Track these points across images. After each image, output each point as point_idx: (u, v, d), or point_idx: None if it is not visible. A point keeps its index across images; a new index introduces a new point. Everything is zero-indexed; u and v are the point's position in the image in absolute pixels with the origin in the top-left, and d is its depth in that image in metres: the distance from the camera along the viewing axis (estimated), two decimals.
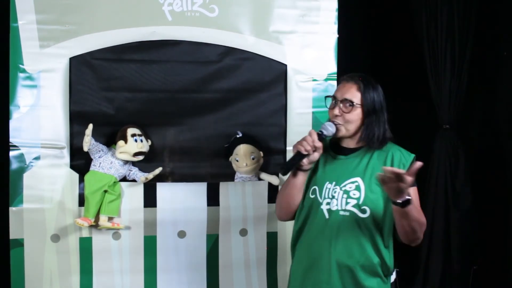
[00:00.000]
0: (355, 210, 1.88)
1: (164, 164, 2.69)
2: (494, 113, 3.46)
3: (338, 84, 2.03)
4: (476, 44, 3.39)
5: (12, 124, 2.53)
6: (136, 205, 2.65)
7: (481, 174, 3.49)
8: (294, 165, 1.94)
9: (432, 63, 3.43)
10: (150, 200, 2.66)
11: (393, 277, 1.96)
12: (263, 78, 2.74)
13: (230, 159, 2.70)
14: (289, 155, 2.76)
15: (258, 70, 2.73)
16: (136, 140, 2.55)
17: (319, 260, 1.93)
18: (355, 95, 1.93)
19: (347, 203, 1.89)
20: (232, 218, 2.73)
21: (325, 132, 1.94)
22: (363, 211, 1.88)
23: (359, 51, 3.54)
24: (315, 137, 1.91)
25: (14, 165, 2.53)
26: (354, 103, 1.92)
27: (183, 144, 2.71)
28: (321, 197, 1.94)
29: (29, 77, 2.53)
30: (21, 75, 2.52)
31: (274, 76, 2.75)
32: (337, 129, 1.95)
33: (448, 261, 3.45)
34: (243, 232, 2.75)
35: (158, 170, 2.60)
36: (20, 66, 2.51)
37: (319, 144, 1.91)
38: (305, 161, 1.94)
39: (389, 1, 3.57)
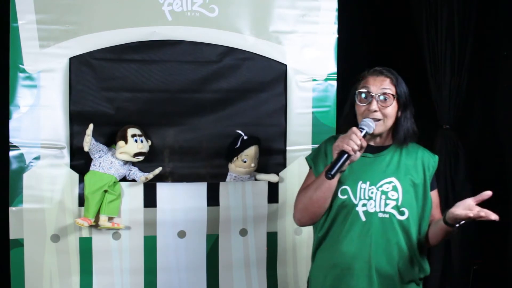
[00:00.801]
0: (394, 212, 1.81)
1: (164, 164, 2.69)
2: (494, 113, 3.46)
3: (360, 79, 1.93)
4: (476, 44, 3.38)
5: (12, 124, 2.53)
6: (136, 205, 2.65)
7: (481, 174, 3.48)
8: (341, 167, 1.74)
9: (432, 63, 3.42)
10: (150, 200, 2.66)
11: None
12: (263, 78, 2.74)
13: (234, 159, 2.70)
14: (289, 155, 2.76)
15: (258, 70, 2.73)
16: (136, 141, 2.54)
17: (353, 265, 1.83)
18: (391, 88, 1.85)
19: (386, 204, 1.81)
20: (232, 218, 2.73)
21: (366, 129, 1.80)
22: (402, 213, 1.82)
23: (359, 51, 3.54)
24: (360, 135, 1.76)
25: (14, 165, 2.53)
26: (393, 95, 1.84)
27: (183, 144, 2.71)
28: (355, 198, 1.83)
29: (29, 77, 2.53)
30: (21, 75, 2.52)
31: (274, 76, 2.75)
32: (375, 126, 1.83)
33: (448, 261, 3.44)
34: (243, 232, 2.75)
35: (158, 170, 2.60)
36: (20, 66, 2.51)
37: (365, 143, 1.77)
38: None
39: (389, 1, 3.57)
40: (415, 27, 3.50)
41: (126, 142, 2.53)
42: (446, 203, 3.44)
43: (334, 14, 2.77)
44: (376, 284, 1.82)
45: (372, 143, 1.90)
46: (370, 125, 1.81)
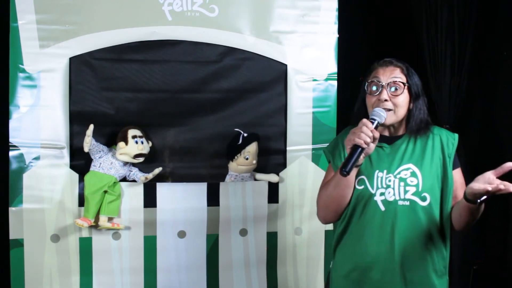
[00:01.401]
0: (416, 198, 1.73)
1: (164, 164, 2.69)
2: (494, 113, 3.46)
3: (370, 71, 1.88)
4: (476, 44, 3.38)
5: (12, 124, 2.53)
6: (136, 205, 2.65)
7: (481, 174, 3.48)
8: (355, 162, 1.66)
9: (432, 63, 3.42)
10: (150, 200, 2.66)
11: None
12: (263, 78, 2.74)
13: (236, 157, 2.69)
14: (289, 155, 2.76)
15: (258, 70, 2.73)
16: (136, 142, 2.54)
17: (378, 258, 1.75)
18: (401, 77, 1.80)
19: (406, 191, 1.73)
20: (232, 218, 2.73)
21: (378, 119, 1.73)
22: (423, 199, 1.73)
23: (359, 51, 3.54)
24: (371, 126, 1.68)
25: (14, 165, 2.53)
26: (404, 85, 1.78)
27: (183, 144, 2.71)
28: (372, 188, 1.76)
29: (29, 77, 2.53)
30: (21, 75, 2.52)
31: (274, 76, 2.75)
32: (386, 116, 1.77)
33: (448, 261, 3.44)
34: (243, 232, 2.75)
35: (158, 170, 2.60)
36: (20, 66, 2.51)
37: (377, 133, 1.69)
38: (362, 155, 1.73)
39: (389, 1, 3.57)
40: (415, 27, 3.50)
41: (126, 143, 2.53)
42: None
43: (334, 14, 2.77)
44: (402, 276, 1.74)
45: (386, 134, 1.84)
46: (381, 115, 1.74)
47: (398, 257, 1.74)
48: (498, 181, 1.58)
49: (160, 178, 2.65)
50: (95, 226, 2.58)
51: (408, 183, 1.74)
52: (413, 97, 1.81)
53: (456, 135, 1.84)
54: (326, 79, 2.78)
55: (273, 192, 2.77)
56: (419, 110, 1.81)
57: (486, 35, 3.42)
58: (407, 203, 1.73)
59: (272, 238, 2.78)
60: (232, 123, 2.72)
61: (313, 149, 2.77)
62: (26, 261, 2.55)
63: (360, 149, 1.66)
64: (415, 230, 1.74)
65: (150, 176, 2.59)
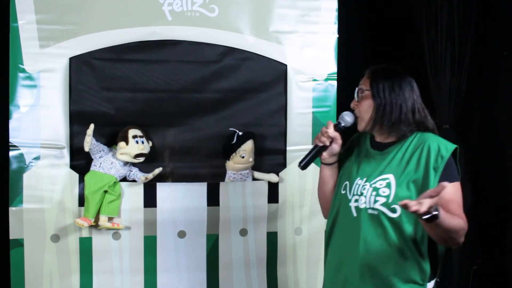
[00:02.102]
0: (384, 209, 1.74)
1: (164, 164, 2.69)
2: (494, 113, 3.46)
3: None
4: (476, 44, 3.38)
5: (12, 124, 2.53)
6: (136, 205, 2.65)
7: (481, 174, 3.48)
8: (312, 159, 1.84)
9: (432, 63, 3.42)
10: (150, 200, 2.66)
11: (430, 284, 1.78)
12: (263, 78, 2.74)
13: (232, 156, 2.69)
14: (289, 155, 2.77)
15: (258, 70, 2.73)
16: (137, 142, 2.54)
17: (346, 261, 1.82)
18: (365, 83, 1.84)
19: (375, 201, 1.75)
20: (232, 218, 2.73)
21: (342, 123, 1.85)
22: (393, 210, 1.73)
23: (359, 51, 3.54)
24: (331, 127, 1.83)
25: (14, 165, 2.53)
26: (364, 90, 1.82)
27: (183, 144, 2.71)
28: (350, 194, 1.83)
29: (29, 77, 2.53)
30: (21, 75, 2.52)
31: (274, 76, 2.75)
32: (358, 123, 1.85)
33: (448, 261, 3.44)
34: (243, 232, 2.75)
35: (158, 170, 2.60)
36: (20, 66, 2.51)
37: (334, 134, 1.82)
38: (325, 154, 1.87)
39: (389, 1, 3.57)
40: (415, 27, 3.50)
41: (127, 143, 2.53)
42: None
43: (334, 14, 2.77)
44: (364, 280, 1.77)
45: (379, 140, 1.86)
46: (345, 118, 1.86)
47: (363, 261, 1.77)
48: (418, 201, 1.52)
49: (160, 178, 2.65)
50: (95, 226, 2.58)
51: (379, 193, 1.75)
52: (376, 102, 1.80)
53: (453, 148, 1.75)
54: (326, 79, 2.78)
55: (273, 192, 2.77)
56: (389, 113, 1.78)
57: (486, 35, 3.42)
58: (376, 212, 1.76)
59: (272, 238, 2.78)
60: (232, 123, 2.72)
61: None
62: (26, 261, 2.55)
63: (317, 147, 1.84)
64: (381, 240, 1.75)
65: (150, 176, 2.59)
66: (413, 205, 1.48)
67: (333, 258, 1.90)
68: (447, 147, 1.74)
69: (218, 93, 2.71)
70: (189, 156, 2.72)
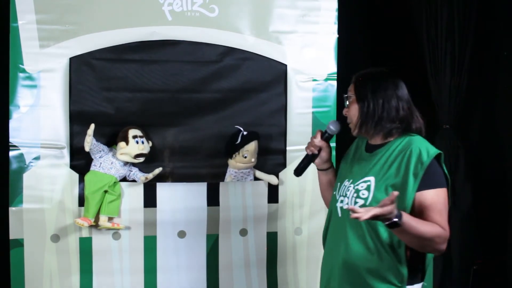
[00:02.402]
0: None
1: (164, 164, 2.68)
2: (494, 113, 3.46)
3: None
4: (476, 44, 3.38)
5: (12, 124, 2.53)
6: (136, 205, 2.65)
7: (481, 174, 3.48)
8: (305, 166, 1.98)
9: (432, 63, 3.42)
10: (150, 200, 2.66)
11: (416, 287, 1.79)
12: (263, 78, 2.74)
13: (234, 155, 2.69)
14: (289, 155, 2.77)
15: (258, 70, 2.73)
16: (137, 142, 2.54)
17: (332, 260, 1.88)
18: (351, 90, 1.90)
19: (355, 202, 1.79)
20: (232, 218, 2.73)
21: (328, 131, 1.97)
22: None
23: (359, 51, 3.54)
24: (318, 136, 1.95)
25: (14, 165, 2.53)
26: (349, 97, 1.88)
27: (183, 144, 2.71)
28: (338, 194, 1.90)
29: (29, 77, 2.53)
30: (21, 75, 2.52)
31: (274, 76, 2.75)
32: (352, 129, 1.90)
33: (448, 261, 3.44)
34: (243, 232, 2.75)
35: (158, 170, 2.60)
36: (20, 66, 2.51)
37: (320, 143, 1.94)
38: (317, 161, 1.98)
39: (389, 1, 3.57)
40: (415, 27, 3.50)
41: (127, 143, 2.53)
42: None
43: (334, 14, 2.77)
44: (345, 278, 1.82)
45: (371, 142, 1.90)
46: (330, 127, 1.97)
47: (342, 262, 1.82)
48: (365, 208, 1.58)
49: (160, 178, 2.65)
50: (95, 226, 2.58)
51: (359, 195, 1.79)
52: (361, 105, 1.84)
53: (435, 153, 1.74)
54: (326, 79, 2.78)
55: (273, 192, 2.77)
56: (365, 117, 1.82)
57: (486, 35, 3.42)
58: None
59: (272, 238, 2.78)
60: (232, 123, 2.72)
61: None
62: (26, 261, 2.55)
63: (308, 156, 1.97)
64: (360, 241, 1.79)
65: (150, 176, 2.59)
66: (358, 212, 1.53)
67: (324, 258, 1.97)
68: (429, 153, 1.73)
69: (218, 93, 2.71)
70: (189, 156, 2.72)
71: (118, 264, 2.64)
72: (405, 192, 1.70)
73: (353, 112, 1.87)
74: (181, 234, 2.70)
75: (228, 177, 2.75)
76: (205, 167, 2.73)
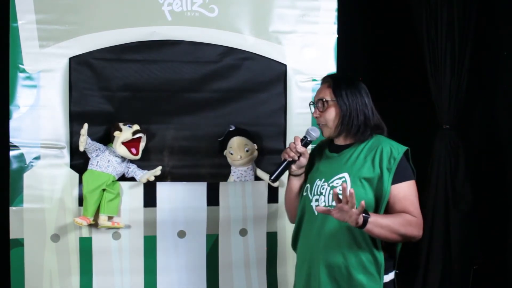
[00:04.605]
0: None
1: (164, 163, 2.68)
2: (494, 113, 3.46)
3: None
4: (476, 44, 3.39)
5: (12, 124, 2.53)
6: (136, 205, 2.65)
7: (481, 174, 3.48)
8: (282, 172, 2.00)
9: (432, 63, 3.43)
10: (150, 200, 2.66)
11: (389, 276, 1.89)
12: (263, 78, 2.74)
13: (224, 153, 2.70)
14: None
15: (258, 70, 2.73)
16: (130, 126, 2.56)
17: (311, 256, 1.93)
18: (326, 93, 1.96)
19: (333, 199, 1.81)
20: (232, 218, 2.73)
21: (308, 138, 2.00)
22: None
23: (359, 51, 3.55)
24: (298, 143, 1.98)
25: (14, 165, 2.53)
26: (327, 100, 1.94)
27: (183, 143, 2.71)
28: (311, 194, 1.96)
29: (29, 77, 2.53)
30: (21, 75, 2.52)
31: (274, 76, 2.75)
32: (322, 131, 1.99)
33: (448, 261, 3.44)
34: (243, 232, 2.75)
35: (158, 171, 2.60)
36: (20, 66, 2.52)
37: (302, 149, 1.98)
38: (293, 167, 2.01)
39: (389, 1, 3.57)
40: (415, 27, 3.50)
41: (120, 130, 2.53)
42: (446, 203, 3.47)
43: (334, 14, 2.77)
44: (325, 273, 1.88)
45: (338, 143, 2.00)
46: (311, 133, 2.00)
47: (322, 257, 1.89)
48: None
49: (160, 177, 2.65)
50: (95, 225, 2.58)
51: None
52: (342, 109, 1.93)
53: (404, 149, 1.88)
54: None
55: (273, 192, 2.78)
56: (347, 120, 1.92)
57: (486, 35, 3.42)
58: None
59: (272, 238, 2.79)
60: (232, 123, 2.72)
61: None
62: (26, 261, 2.55)
63: (286, 161, 1.99)
64: (339, 234, 1.87)
65: (151, 178, 2.59)
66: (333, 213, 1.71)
67: (301, 257, 2.01)
68: (399, 150, 1.87)
69: (218, 93, 2.71)
70: (188, 156, 2.72)
71: (118, 264, 2.64)
72: (382, 186, 1.83)
73: (331, 116, 1.95)
74: (181, 234, 2.70)
75: (231, 177, 2.76)
76: (205, 166, 2.74)
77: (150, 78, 2.65)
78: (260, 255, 2.77)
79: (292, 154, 1.98)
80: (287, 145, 2.75)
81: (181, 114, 2.70)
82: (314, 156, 2.09)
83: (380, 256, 1.85)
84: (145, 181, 2.60)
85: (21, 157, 2.54)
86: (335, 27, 2.78)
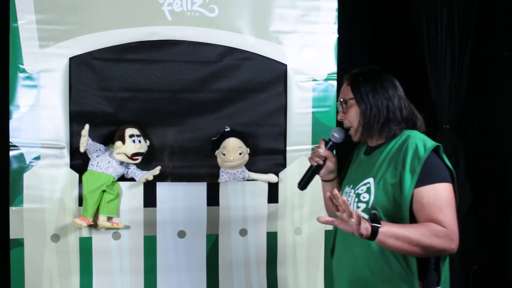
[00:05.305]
0: (365, 215, 1.66)
1: (164, 163, 2.68)
2: (494, 113, 3.46)
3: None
4: (476, 44, 3.38)
5: (12, 124, 2.53)
6: (135, 205, 2.65)
7: (481, 174, 3.48)
8: (310, 179, 1.89)
9: (432, 63, 3.42)
10: (150, 200, 2.66)
11: None
12: (263, 78, 2.74)
13: (216, 153, 2.68)
14: (289, 155, 2.77)
15: (258, 70, 2.73)
16: (134, 141, 2.54)
17: (339, 270, 1.83)
18: (346, 93, 1.81)
19: (357, 207, 1.71)
20: (232, 218, 2.73)
21: (333, 139, 1.87)
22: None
23: (359, 51, 3.54)
24: (322, 146, 1.86)
25: (14, 165, 2.53)
26: (347, 100, 1.80)
27: (183, 144, 2.71)
28: None
29: (29, 77, 2.53)
30: (21, 75, 2.52)
31: (274, 76, 2.75)
32: (352, 134, 1.83)
33: (448, 261, 3.44)
34: (243, 232, 2.75)
35: (157, 170, 2.59)
36: (20, 66, 2.51)
37: (326, 153, 1.86)
38: (322, 172, 1.90)
39: (389, 1, 3.57)
40: (415, 27, 3.50)
41: (123, 142, 2.52)
42: None
43: (334, 14, 2.77)
44: (352, 285, 1.77)
45: (370, 144, 1.84)
46: (334, 135, 1.87)
47: (349, 272, 1.77)
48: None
49: (160, 177, 2.65)
50: (94, 225, 2.58)
51: (361, 199, 1.73)
52: (362, 107, 1.76)
53: (432, 146, 1.65)
54: (326, 79, 2.78)
55: (273, 192, 2.77)
56: (367, 119, 1.75)
57: (486, 35, 3.42)
58: None
59: (272, 238, 2.78)
60: (232, 123, 2.72)
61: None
62: (26, 261, 2.55)
63: (313, 167, 1.87)
64: (364, 245, 1.70)
65: (150, 177, 2.59)
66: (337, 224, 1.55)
67: (335, 268, 1.90)
68: (426, 146, 1.65)
69: (218, 93, 2.71)
70: (189, 156, 2.72)
71: (118, 264, 2.64)
72: (402, 191, 1.62)
73: (353, 116, 1.79)
74: (181, 234, 2.70)
75: (220, 178, 2.74)
76: (205, 167, 2.73)
77: (150, 78, 2.65)
78: (260, 255, 2.77)
79: (316, 159, 1.85)
80: (287, 145, 2.77)
81: (181, 114, 2.69)
82: (352, 160, 1.94)
83: (413, 266, 1.64)
84: (144, 181, 2.60)
85: (21, 157, 2.53)
86: (335, 27, 2.78)
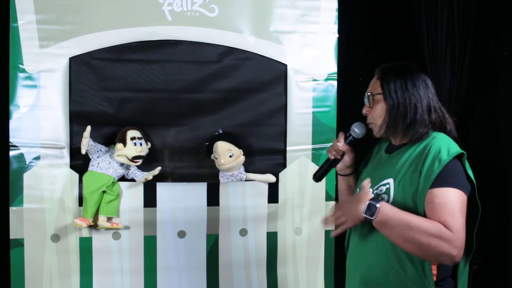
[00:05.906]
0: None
1: (164, 164, 2.68)
2: (494, 113, 3.46)
3: None
4: (476, 44, 3.38)
5: (12, 124, 2.53)
6: (136, 205, 2.65)
7: (481, 174, 3.48)
8: (325, 172, 1.85)
9: (432, 63, 3.42)
10: (150, 200, 2.66)
11: None
12: (263, 78, 2.74)
13: (211, 157, 2.69)
14: (289, 155, 2.77)
15: (258, 70, 2.73)
16: (135, 144, 2.54)
17: (351, 267, 1.80)
18: (374, 87, 1.72)
19: None
20: (232, 218, 2.73)
21: (353, 134, 1.80)
22: None
23: (359, 51, 3.54)
24: (341, 140, 1.80)
25: (14, 165, 2.53)
26: (374, 94, 1.71)
27: (183, 144, 2.71)
28: None
29: (29, 77, 2.53)
30: (21, 75, 2.52)
31: (274, 76, 2.75)
32: (373, 130, 1.76)
33: None
34: (243, 232, 2.75)
35: (157, 171, 2.60)
36: (20, 66, 2.51)
37: (344, 148, 1.79)
38: (339, 166, 1.84)
39: (389, 1, 3.57)
40: (415, 27, 3.50)
41: (124, 145, 2.52)
42: None
43: (334, 14, 2.77)
44: (364, 281, 1.72)
45: (394, 142, 1.76)
46: (355, 130, 1.79)
47: (363, 267, 1.73)
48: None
49: (160, 178, 2.65)
50: (94, 226, 2.58)
51: (379, 200, 1.66)
52: (389, 104, 1.68)
53: (456, 153, 1.59)
54: (326, 79, 2.78)
55: (273, 192, 2.77)
56: (393, 117, 1.68)
57: (486, 35, 3.41)
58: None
59: (272, 238, 2.78)
60: (232, 123, 2.72)
61: (313, 149, 2.77)
62: (26, 261, 2.55)
63: (330, 160, 1.84)
64: (379, 244, 1.67)
65: (150, 177, 2.59)
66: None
67: (347, 262, 1.87)
68: (450, 152, 1.59)
69: (218, 93, 2.71)
70: (189, 156, 2.72)
71: (118, 264, 2.64)
72: (419, 189, 1.58)
73: (378, 112, 1.70)
74: (181, 234, 2.70)
75: (220, 179, 2.74)
76: (205, 167, 2.73)
77: (150, 78, 2.65)
78: (260, 255, 2.77)
79: (333, 152, 1.79)
80: (287, 145, 2.77)
81: (181, 114, 2.69)
82: (372, 156, 1.88)
83: (429, 270, 1.61)
84: (144, 181, 2.60)
85: (21, 157, 2.53)
86: (335, 27, 2.78)
